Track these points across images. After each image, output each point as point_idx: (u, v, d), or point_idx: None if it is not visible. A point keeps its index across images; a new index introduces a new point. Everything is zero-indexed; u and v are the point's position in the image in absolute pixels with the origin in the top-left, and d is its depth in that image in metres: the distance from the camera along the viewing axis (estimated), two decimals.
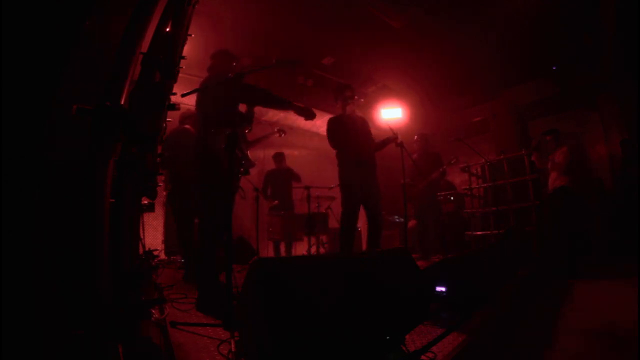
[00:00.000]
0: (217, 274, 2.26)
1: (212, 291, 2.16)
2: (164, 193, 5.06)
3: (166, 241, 5.13)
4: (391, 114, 6.84)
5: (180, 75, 1.85)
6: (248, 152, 3.08)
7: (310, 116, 2.58)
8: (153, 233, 5.29)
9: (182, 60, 1.84)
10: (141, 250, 2.81)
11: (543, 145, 4.75)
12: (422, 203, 4.80)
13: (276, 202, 5.22)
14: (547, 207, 4.71)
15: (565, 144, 4.60)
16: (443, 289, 2.00)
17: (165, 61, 1.26)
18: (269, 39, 5.12)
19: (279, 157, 5.68)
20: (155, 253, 3.22)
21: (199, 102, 2.55)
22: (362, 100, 7.19)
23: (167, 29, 1.39)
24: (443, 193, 6.51)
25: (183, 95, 1.95)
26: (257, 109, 6.85)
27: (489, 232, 5.66)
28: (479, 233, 5.82)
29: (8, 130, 0.84)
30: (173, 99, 1.91)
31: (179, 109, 1.72)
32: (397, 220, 7.00)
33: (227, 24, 4.79)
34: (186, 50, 1.96)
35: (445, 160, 4.81)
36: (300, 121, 7.61)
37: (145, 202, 2.17)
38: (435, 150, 5.35)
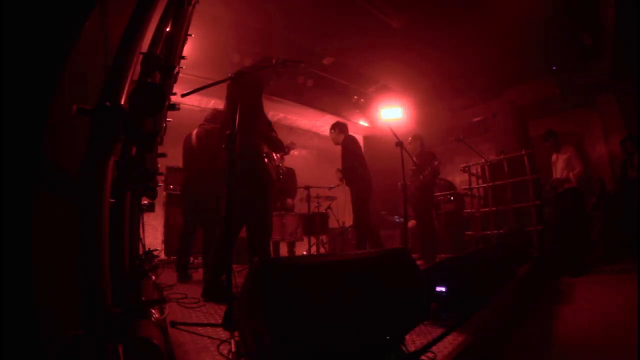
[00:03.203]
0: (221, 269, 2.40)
1: (218, 282, 2.33)
2: (164, 193, 5.08)
3: (166, 241, 5.13)
4: (391, 114, 6.85)
5: (180, 75, 1.86)
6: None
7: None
8: (153, 233, 5.29)
9: (182, 60, 1.84)
10: (141, 250, 2.80)
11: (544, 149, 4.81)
12: (416, 206, 4.80)
13: (289, 200, 5.22)
14: (555, 207, 4.72)
15: (569, 143, 4.63)
16: (443, 289, 2.00)
17: (165, 61, 1.26)
18: (269, 39, 5.12)
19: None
20: (155, 253, 3.23)
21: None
22: (362, 100, 7.22)
23: (167, 29, 1.39)
24: (443, 193, 6.52)
25: (183, 95, 1.95)
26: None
27: (489, 232, 5.66)
28: (479, 233, 5.82)
29: (7, 130, 0.84)
30: (173, 99, 1.91)
31: (179, 109, 1.72)
32: (397, 220, 7.01)
33: (228, 24, 4.80)
34: (186, 50, 1.96)
35: (434, 162, 4.79)
36: (300, 121, 7.62)
37: (145, 202, 2.17)
38: (433, 150, 5.33)
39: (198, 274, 3.59)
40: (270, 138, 2.65)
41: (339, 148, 4.55)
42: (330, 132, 4.60)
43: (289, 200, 5.22)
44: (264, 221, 2.52)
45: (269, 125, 2.68)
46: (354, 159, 4.30)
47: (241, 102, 1.97)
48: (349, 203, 4.36)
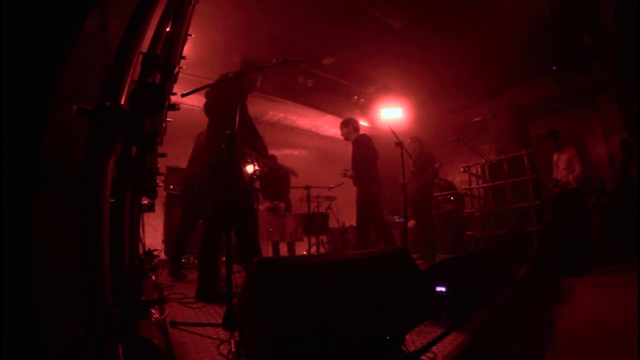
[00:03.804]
0: (218, 268, 2.47)
1: (212, 282, 2.37)
2: (164, 193, 5.07)
3: (166, 241, 5.12)
4: (391, 114, 6.85)
5: (180, 75, 1.86)
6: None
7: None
8: (153, 233, 5.28)
9: (182, 60, 1.84)
10: (141, 250, 2.80)
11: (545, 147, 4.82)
12: (415, 206, 4.81)
13: (282, 204, 5.20)
14: (555, 207, 4.73)
15: (570, 143, 4.65)
16: (443, 289, 2.00)
17: (165, 61, 1.26)
18: (269, 39, 5.12)
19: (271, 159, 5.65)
20: (155, 253, 3.23)
21: (208, 104, 2.61)
22: (362, 100, 7.22)
23: (167, 29, 1.39)
24: (443, 193, 6.52)
25: (183, 95, 1.96)
26: (258, 109, 6.85)
27: (489, 232, 5.66)
28: (479, 233, 5.82)
29: (7, 130, 0.84)
30: (173, 99, 1.91)
31: (179, 109, 1.72)
32: (397, 220, 7.00)
33: (228, 24, 4.79)
34: (186, 50, 1.96)
35: (435, 165, 4.80)
36: (300, 121, 7.61)
37: (145, 202, 2.17)
38: (433, 150, 5.34)
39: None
40: (249, 139, 2.66)
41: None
42: (342, 128, 4.49)
43: (282, 204, 5.20)
44: (247, 220, 2.54)
45: (251, 126, 2.68)
46: (366, 158, 4.23)
47: (232, 104, 1.98)
48: (351, 202, 4.35)
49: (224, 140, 1.83)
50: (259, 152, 2.78)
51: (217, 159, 2.39)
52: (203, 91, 2.37)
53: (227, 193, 1.99)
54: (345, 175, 4.40)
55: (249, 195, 2.61)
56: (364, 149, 4.25)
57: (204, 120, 2.74)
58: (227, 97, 2.34)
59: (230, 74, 2.03)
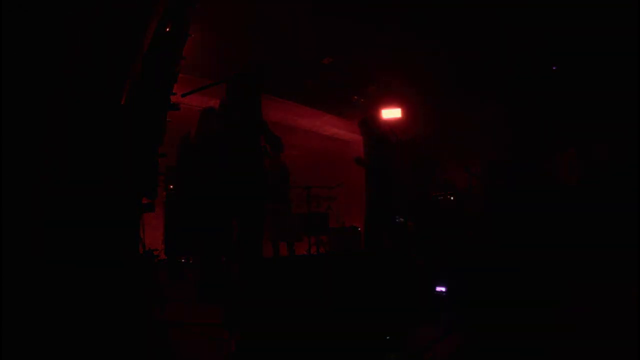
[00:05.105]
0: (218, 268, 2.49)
1: (212, 282, 2.40)
2: (164, 193, 5.07)
3: (166, 241, 5.11)
4: (391, 114, 6.86)
5: (180, 75, 1.86)
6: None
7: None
8: (153, 233, 5.27)
9: (182, 60, 1.84)
10: (141, 250, 2.81)
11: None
12: (414, 205, 4.82)
13: (282, 204, 5.18)
14: (556, 207, 4.74)
15: (571, 145, 4.66)
16: (443, 289, 2.00)
17: (165, 61, 1.27)
18: (269, 39, 5.12)
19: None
20: (156, 253, 3.23)
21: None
22: (362, 100, 7.22)
23: (167, 29, 1.39)
24: (443, 193, 6.52)
25: (183, 95, 1.96)
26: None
27: (488, 232, 5.66)
28: (479, 233, 5.81)
29: (7, 130, 0.84)
30: (173, 99, 1.91)
31: (179, 109, 1.72)
32: (397, 220, 7.00)
33: (227, 24, 4.80)
34: (186, 50, 1.96)
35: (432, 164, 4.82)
36: (300, 121, 7.62)
37: (145, 202, 2.17)
38: (432, 151, 5.37)
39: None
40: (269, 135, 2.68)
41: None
42: (361, 127, 4.38)
43: (281, 204, 5.16)
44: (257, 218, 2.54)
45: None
46: (393, 155, 4.08)
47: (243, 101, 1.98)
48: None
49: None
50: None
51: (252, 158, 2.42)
52: (207, 91, 2.36)
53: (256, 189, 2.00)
54: (359, 163, 4.26)
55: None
56: (388, 147, 4.09)
57: None
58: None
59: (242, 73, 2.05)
